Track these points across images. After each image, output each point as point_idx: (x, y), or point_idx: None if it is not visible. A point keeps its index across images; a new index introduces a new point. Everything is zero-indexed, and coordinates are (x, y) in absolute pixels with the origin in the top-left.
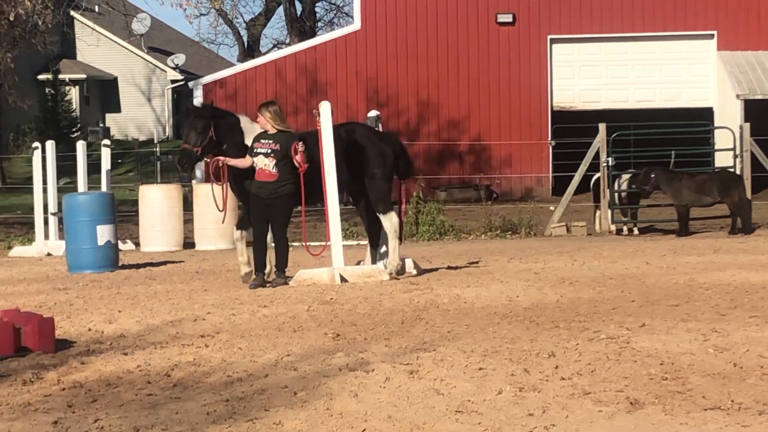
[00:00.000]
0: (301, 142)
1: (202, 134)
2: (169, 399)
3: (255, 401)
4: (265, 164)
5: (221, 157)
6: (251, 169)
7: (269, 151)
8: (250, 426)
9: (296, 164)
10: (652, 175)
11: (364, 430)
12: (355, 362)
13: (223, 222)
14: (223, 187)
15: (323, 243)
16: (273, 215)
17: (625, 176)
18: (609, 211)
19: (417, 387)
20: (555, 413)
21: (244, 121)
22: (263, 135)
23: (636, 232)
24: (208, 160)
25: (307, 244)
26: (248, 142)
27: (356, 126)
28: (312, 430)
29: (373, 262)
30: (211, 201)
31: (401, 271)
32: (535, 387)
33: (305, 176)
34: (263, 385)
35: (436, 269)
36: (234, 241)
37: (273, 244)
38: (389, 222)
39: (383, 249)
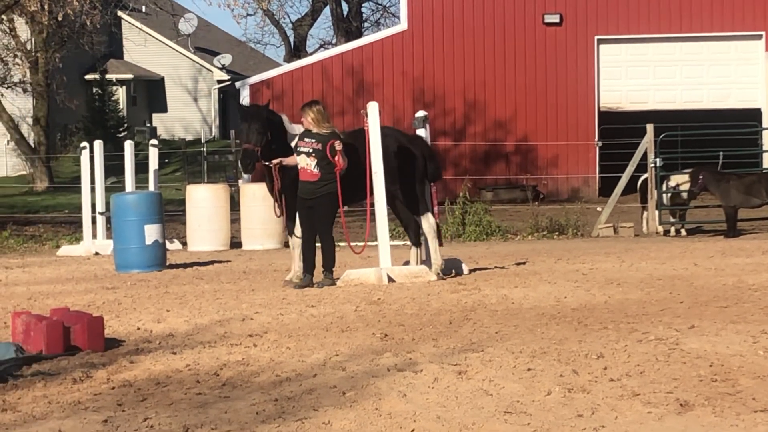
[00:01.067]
0: (338, 141)
1: (262, 134)
2: (218, 398)
3: (304, 401)
4: (307, 164)
5: (281, 158)
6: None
7: (311, 150)
8: (299, 425)
9: (333, 163)
10: (700, 176)
11: (413, 430)
12: (404, 362)
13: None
14: (278, 190)
15: (363, 243)
16: (317, 215)
17: (681, 177)
18: (657, 212)
19: (465, 387)
20: (604, 414)
21: (285, 121)
22: (306, 134)
23: (684, 233)
24: (267, 163)
25: (351, 243)
26: (289, 141)
27: (385, 129)
28: (360, 430)
29: (417, 261)
30: (258, 200)
31: (446, 270)
32: (584, 388)
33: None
34: (312, 384)
35: (484, 269)
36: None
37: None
38: (427, 223)
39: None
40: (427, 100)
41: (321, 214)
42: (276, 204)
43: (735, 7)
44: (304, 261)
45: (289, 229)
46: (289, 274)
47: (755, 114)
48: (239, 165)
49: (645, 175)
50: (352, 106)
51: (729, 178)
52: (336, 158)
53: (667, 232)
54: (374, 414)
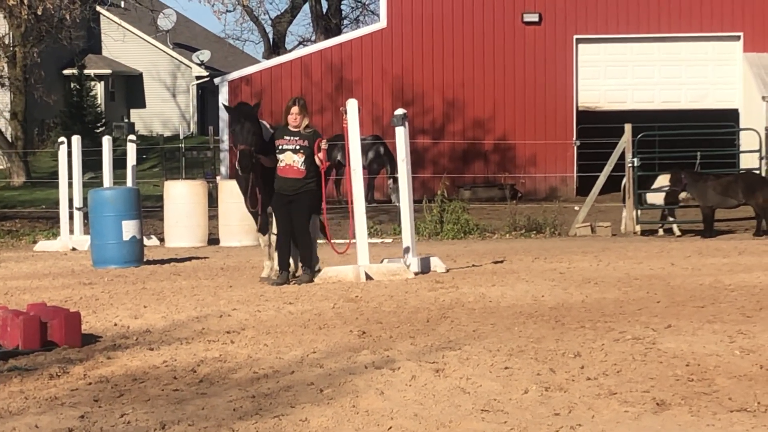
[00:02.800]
0: (324, 140)
1: (256, 134)
2: (195, 394)
3: (281, 398)
4: (294, 161)
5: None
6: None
7: (298, 147)
8: (276, 422)
9: (317, 161)
10: (683, 177)
11: (390, 428)
12: (381, 360)
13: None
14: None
15: (348, 241)
16: (296, 211)
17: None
18: (634, 212)
19: (443, 385)
20: (581, 413)
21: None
22: (287, 132)
23: (678, 232)
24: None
25: (333, 241)
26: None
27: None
28: (338, 427)
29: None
30: (235, 197)
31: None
32: (561, 387)
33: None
34: (289, 381)
35: (461, 268)
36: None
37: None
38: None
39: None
40: (407, 99)
41: (301, 210)
42: (248, 200)
43: (713, 8)
44: (280, 258)
45: (262, 227)
46: (264, 271)
47: (732, 114)
48: (237, 167)
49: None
50: (332, 104)
51: (706, 178)
52: (322, 156)
53: (646, 233)
54: (351, 411)
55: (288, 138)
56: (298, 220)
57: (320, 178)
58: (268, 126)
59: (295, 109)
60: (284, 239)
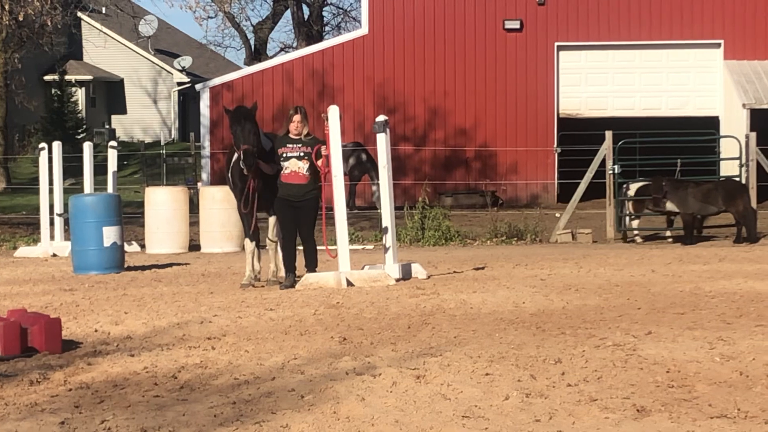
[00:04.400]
0: (324, 146)
1: (256, 134)
2: (176, 401)
3: (262, 404)
4: (299, 167)
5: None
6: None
7: (302, 154)
8: (257, 428)
9: (317, 167)
10: (664, 184)
11: None
12: (362, 366)
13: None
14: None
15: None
16: (303, 217)
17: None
18: (614, 219)
19: (424, 392)
20: (562, 419)
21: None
22: (288, 140)
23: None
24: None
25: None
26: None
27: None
28: None
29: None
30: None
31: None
32: (541, 393)
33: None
34: (270, 388)
35: (443, 274)
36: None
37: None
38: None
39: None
40: (389, 105)
41: (307, 216)
42: (242, 203)
43: (694, 16)
44: (286, 261)
45: (245, 232)
46: (245, 278)
47: (713, 122)
48: (242, 166)
49: (639, 184)
50: (314, 110)
51: (686, 185)
52: (321, 162)
53: (627, 239)
54: (332, 417)
55: (291, 146)
56: (305, 226)
57: (321, 184)
58: (262, 134)
59: (297, 117)
60: (290, 243)
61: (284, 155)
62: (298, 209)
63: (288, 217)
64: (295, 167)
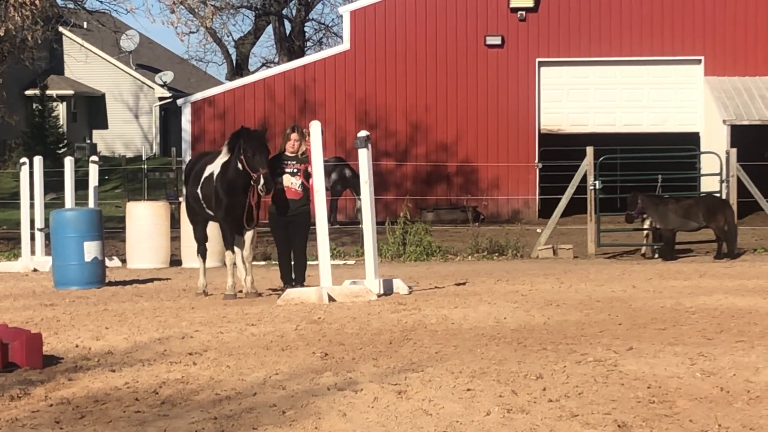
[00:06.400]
0: (311, 165)
1: (267, 156)
2: (157, 416)
3: (243, 420)
4: (291, 183)
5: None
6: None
7: (296, 170)
8: None
9: (306, 184)
10: (639, 201)
11: None
12: (344, 382)
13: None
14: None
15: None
16: (296, 231)
17: None
18: (595, 234)
19: (405, 407)
20: None
21: None
22: (285, 157)
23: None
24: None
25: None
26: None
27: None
28: None
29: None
30: None
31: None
32: (523, 409)
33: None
34: (251, 403)
35: (424, 290)
36: (227, 263)
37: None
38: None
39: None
40: (371, 121)
41: (301, 230)
42: (247, 217)
43: (675, 32)
44: (282, 272)
45: (227, 245)
46: (228, 289)
47: (694, 138)
48: (263, 189)
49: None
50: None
51: (667, 201)
52: (310, 181)
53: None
54: None
55: (286, 162)
56: (298, 239)
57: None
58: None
59: (294, 136)
60: (285, 255)
61: (283, 171)
62: (290, 223)
63: (282, 231)
64: (288, 182)
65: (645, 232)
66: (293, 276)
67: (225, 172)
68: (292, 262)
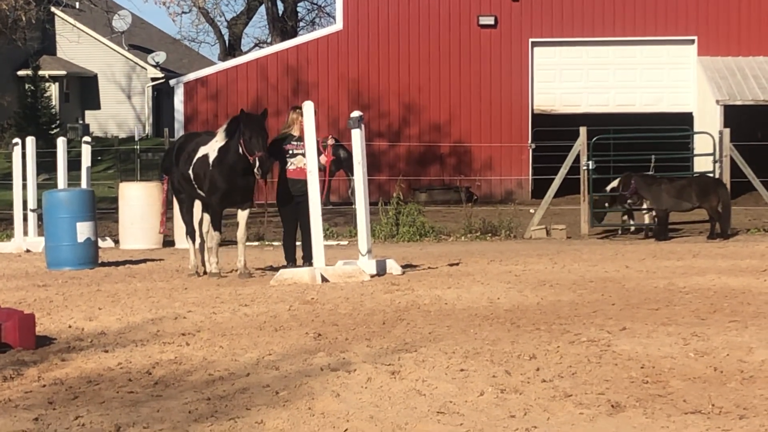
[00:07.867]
0: (326, 138)
1: (266, 140)
2: (150, 397)
3: (236, 400)
4: (303, 164)
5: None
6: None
7: (304, 151)
8: (232, 425)
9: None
10: (632, 181)
11: (346, 430)
12: (337, 362)
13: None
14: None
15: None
16: (306, 210)
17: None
18: (589, 215)
19: (399, 387)
20: (536, 415)
21: None
22: (292, 138)
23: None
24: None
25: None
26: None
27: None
28: (293, 430)
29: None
30: None
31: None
32: (516, 389)
33: None
34: (245, 384)
35: (417, 270)
36: (213, 244)
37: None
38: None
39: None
40: (364, 102)
41: (307, 209)
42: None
43: (668, 12)
44: (286, 251)
45: (215, 226)
46: (210, 267)
47: (687, 118)
48: (258, 171)
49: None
50: (289, 106)
51: (660, 181)
52: (327, 152)
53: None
54: (307, 413)
55: (296, 143)
56: (305, 218)
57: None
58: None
59: (296, 116)
60: (291, 234)
61: (290, 152)
62: (299, 203)
63: (290, 210)
64: (300, 163)
65: (643, 211)
66: (302, 254)
67: (224, 156)
68: (298, 242)
